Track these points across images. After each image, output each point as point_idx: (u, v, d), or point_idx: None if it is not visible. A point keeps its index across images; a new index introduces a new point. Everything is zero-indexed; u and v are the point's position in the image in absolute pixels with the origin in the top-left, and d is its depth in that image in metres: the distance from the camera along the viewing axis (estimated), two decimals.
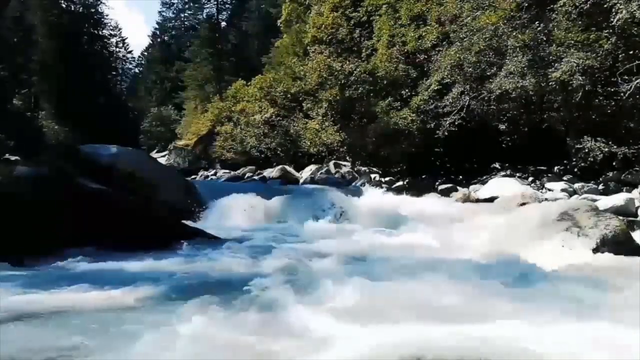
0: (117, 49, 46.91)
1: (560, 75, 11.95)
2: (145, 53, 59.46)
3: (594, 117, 12.63)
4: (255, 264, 5.64)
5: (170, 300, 4.10)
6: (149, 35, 64.86)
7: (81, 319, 3.65)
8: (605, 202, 9.49)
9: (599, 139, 12.21)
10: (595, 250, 6.03)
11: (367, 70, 18.04)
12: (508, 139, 14.44)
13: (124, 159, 9.44)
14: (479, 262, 5.66)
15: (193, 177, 24.07)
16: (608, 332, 3.37)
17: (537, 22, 12.73)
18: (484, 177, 14.04)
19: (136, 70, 59.99)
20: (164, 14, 57.13)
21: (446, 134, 14.92)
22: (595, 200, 9.55)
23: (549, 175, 13.39)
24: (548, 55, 12.58)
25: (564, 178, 12.76)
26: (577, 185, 11.83)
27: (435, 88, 16.03)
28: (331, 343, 3.20)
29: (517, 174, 13.80)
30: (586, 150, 12.28)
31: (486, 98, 14.16)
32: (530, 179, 13.49)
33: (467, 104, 14.71)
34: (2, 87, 22.57)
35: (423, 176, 16.04)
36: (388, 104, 17.18)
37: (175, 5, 55.59)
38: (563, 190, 11.58)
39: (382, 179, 16.83)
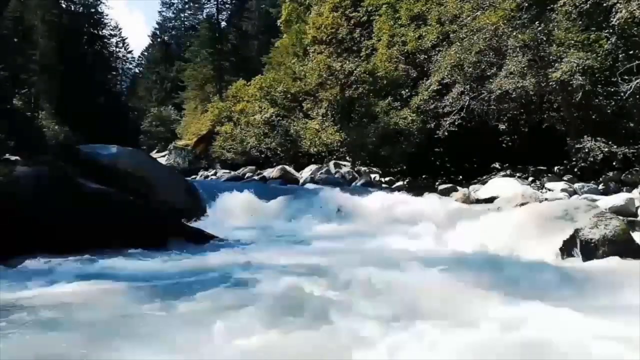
0: (117, 49, 47.24)
1: (560, 75, 11.96)
2: (145, 53, 59.60)
3: (594, 117, 12.64)
4: (255, 264, 5.63)
5: (169, 300, 4.10)
6: (149, 35, 64.97)
7: (79, 319, 3.65)
8: (605, 202, 9.47)
9: (599, 139, 12.22)
10: (595, 250, 6.02)
11: (367, 70, 18.06)
12: (508, 139, 14.46)
13: (124, 159, 9.41)
14: (478, 262, 5.65)
15: (193, 177, 24.08)
16: (608, 333, 3.36)
17: (537, 22, 12.73)
18: (484, 177, 14.06)
19: (136, 70, 60.22)
20: (164, 14, 57.35)
21: (446, 134, 14.93)
22: (595, 200, 9.53)
23: (549, 175, 13.40)
24: (548, 55, 12.60)
25: (564, 178, 12.76)
26: (577, 185, 11.83)
27: (435, 88, 16.04)
28: (336, 343, 3.20)
29: (517, 174, 13.81)
30: (586, 150, 12.28)
31: (486, 98, 14.17)
32: (530, 179, 13.50)
33: (467, 104, 14.71)
34: (2, 87, 22.60)
35: (423, 176, 16.06)
36: (388, 104, 17.20)
37: (175, 5, 55.80)
38: (563, 190, 11.58)
39: (382, 179, 16.86)
